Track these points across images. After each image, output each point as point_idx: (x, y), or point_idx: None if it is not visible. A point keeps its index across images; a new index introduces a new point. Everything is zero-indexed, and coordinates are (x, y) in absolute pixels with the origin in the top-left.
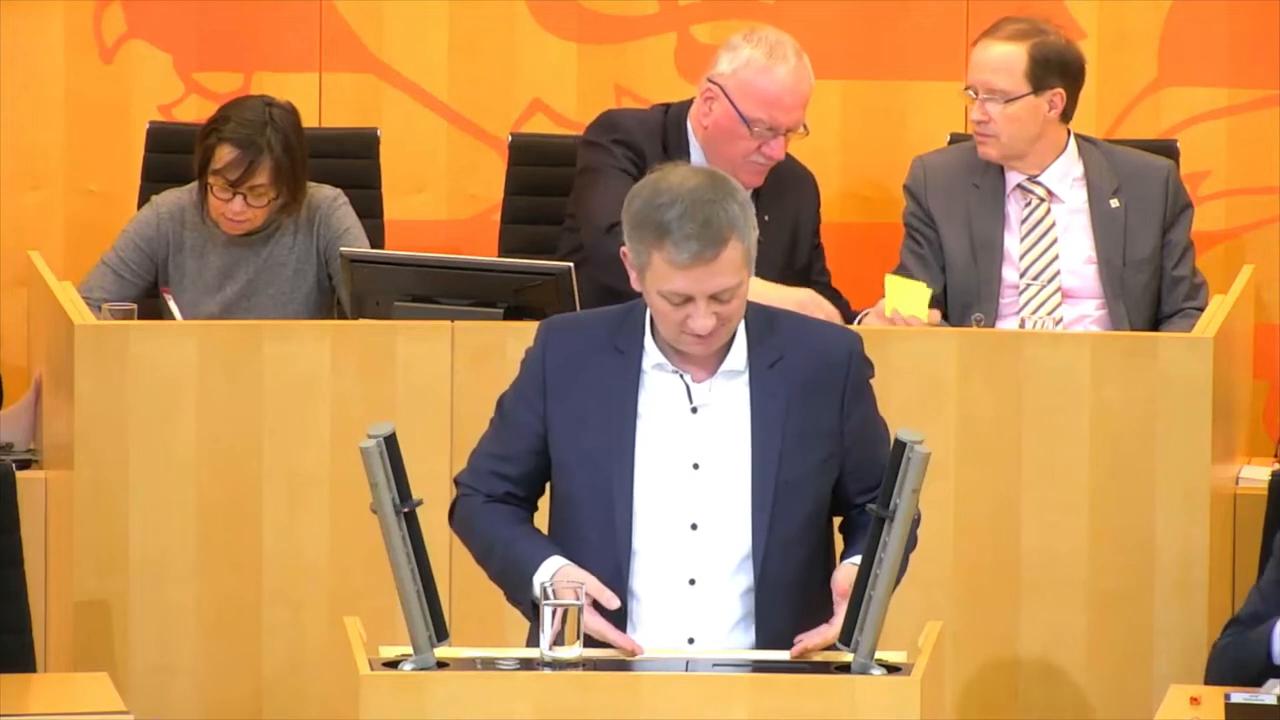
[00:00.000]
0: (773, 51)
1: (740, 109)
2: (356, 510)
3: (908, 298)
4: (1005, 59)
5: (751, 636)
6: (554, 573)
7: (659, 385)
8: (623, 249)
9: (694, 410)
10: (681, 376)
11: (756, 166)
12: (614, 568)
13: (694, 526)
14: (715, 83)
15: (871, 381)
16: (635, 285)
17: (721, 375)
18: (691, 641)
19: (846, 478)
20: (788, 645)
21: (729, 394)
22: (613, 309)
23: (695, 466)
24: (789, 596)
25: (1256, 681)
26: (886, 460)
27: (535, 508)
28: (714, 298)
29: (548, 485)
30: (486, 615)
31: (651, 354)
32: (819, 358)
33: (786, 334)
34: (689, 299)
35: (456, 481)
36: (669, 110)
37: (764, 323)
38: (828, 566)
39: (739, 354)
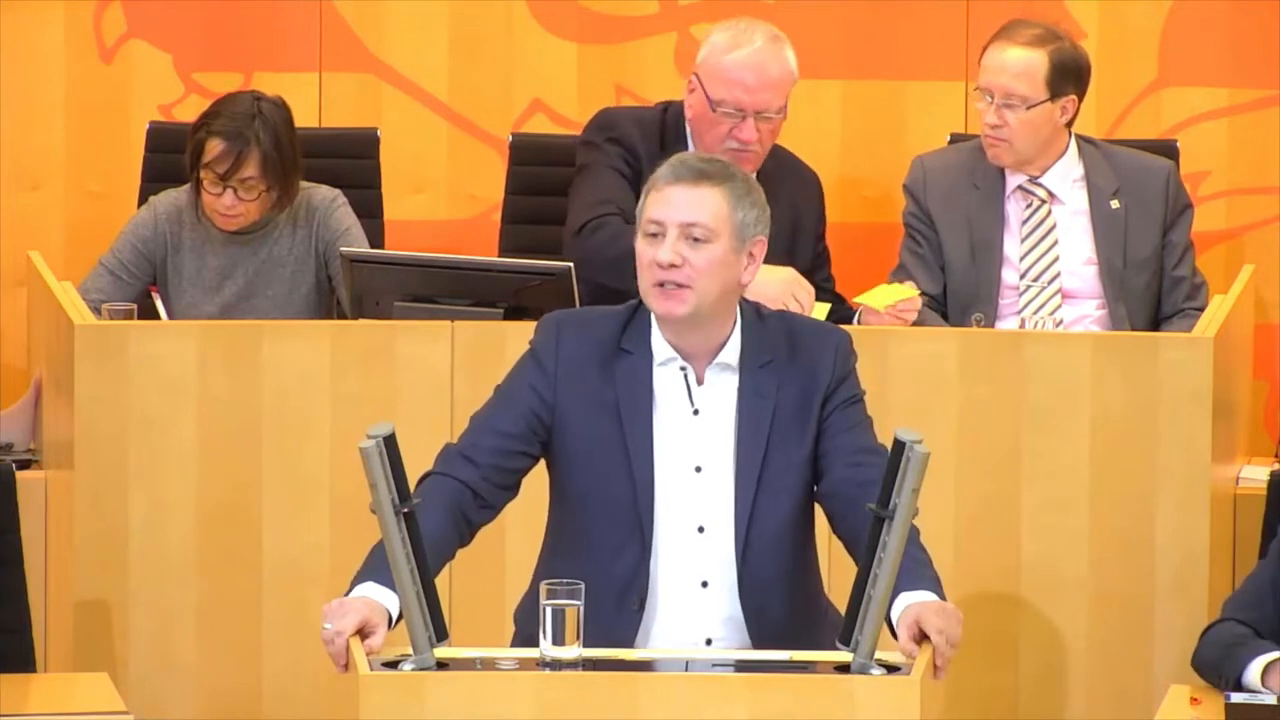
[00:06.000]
0: (740, 34)
1: (708, 92)
2: (356, 510)
3: (884, 295)
4: (1027, 65)
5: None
6: (348, 595)
7: (665, 386)
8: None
9: (695, 412)
10: (685, 374)
11: (734, 155)
12: (634, 569)
13: (700, 529)
14: (694, 73)
15: (856, 369)
16: None
17: (716, 367)
18: (709, 643)
19: (832, 463)
20: (782, 642)
21: (724, 394)
22: (616, 308)
23: (698, 469)
24: (781, 591)
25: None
26: (870, 441)
27: (486, 496)
28: (685, 235)
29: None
30: (486, 615)
31: (659, 352)
32: (807, 357)
33: (776, 333)
34: (661, 231)
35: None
36: (668, 108)
37: (755, 320)
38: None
39: (733, 349)
